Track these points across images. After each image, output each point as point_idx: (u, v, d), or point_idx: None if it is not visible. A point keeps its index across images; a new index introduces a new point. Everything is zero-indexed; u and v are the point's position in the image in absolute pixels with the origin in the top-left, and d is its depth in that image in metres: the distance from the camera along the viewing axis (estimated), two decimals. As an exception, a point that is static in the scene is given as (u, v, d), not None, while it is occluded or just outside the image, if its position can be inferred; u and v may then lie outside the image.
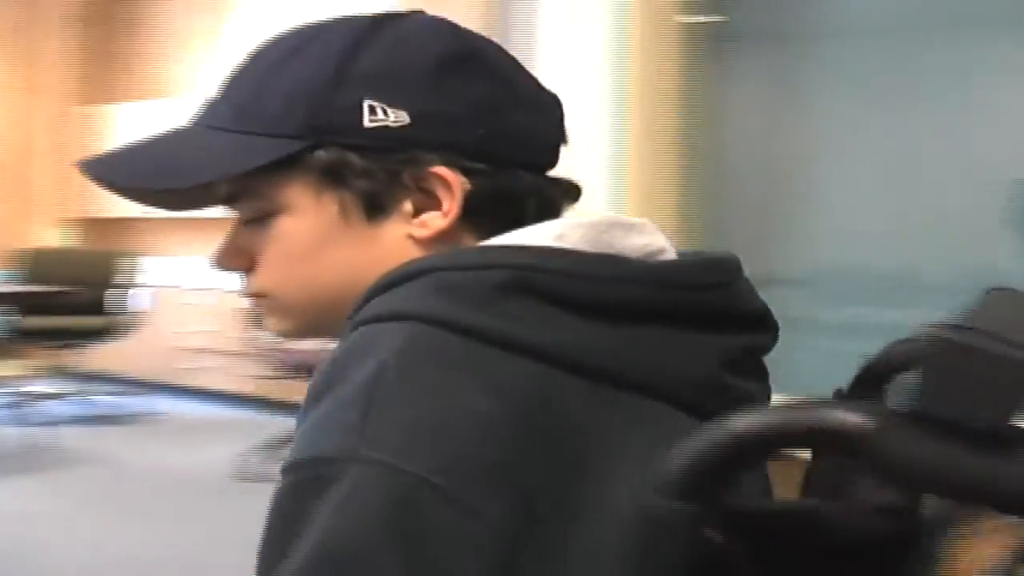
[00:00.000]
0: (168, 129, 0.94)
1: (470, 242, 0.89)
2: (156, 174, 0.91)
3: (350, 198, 0.89)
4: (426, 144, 0.88)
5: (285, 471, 0.74)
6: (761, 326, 0.90)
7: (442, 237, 0.89)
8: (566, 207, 0.96)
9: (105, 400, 7.56)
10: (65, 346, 7.33)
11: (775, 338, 0.91)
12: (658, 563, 0.68)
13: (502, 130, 0.91)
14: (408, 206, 0.89)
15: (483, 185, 0.89)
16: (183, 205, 0.98)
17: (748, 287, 0.90)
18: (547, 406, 0.75)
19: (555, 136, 0.96)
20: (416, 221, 0.89)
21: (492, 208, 0.89)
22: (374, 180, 0.88)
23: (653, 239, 0.89)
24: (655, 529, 0.67)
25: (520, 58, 0.94)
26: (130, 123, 7.98)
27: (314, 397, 0.76)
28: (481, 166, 0.88)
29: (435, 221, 0.89)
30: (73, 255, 7.85)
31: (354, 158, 0.88)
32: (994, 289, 0.75)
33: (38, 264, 7.41)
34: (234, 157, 0.89)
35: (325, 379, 0.76)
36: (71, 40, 8.23)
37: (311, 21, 0.93)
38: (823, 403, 0.64)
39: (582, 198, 0.97)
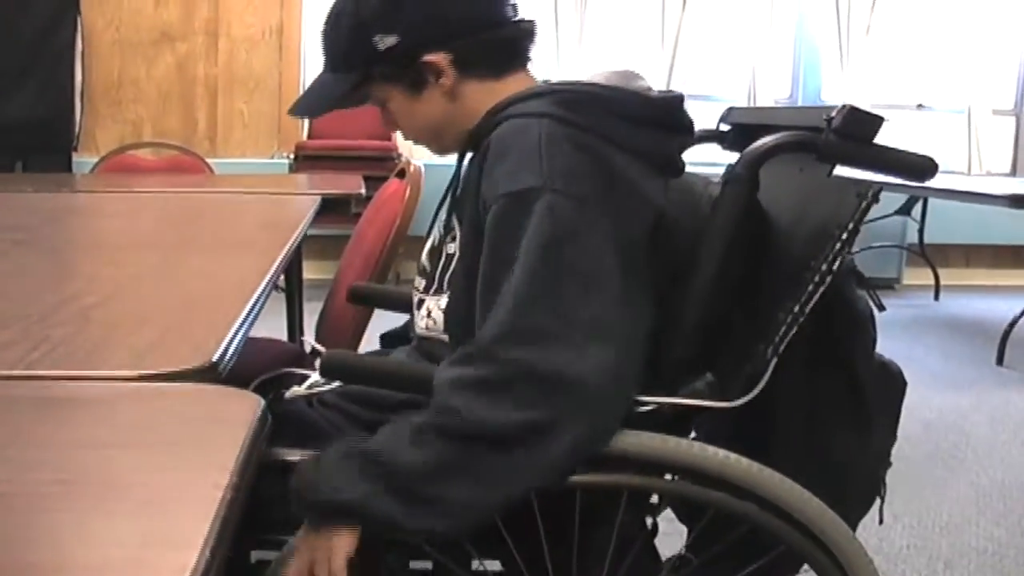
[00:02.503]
0: (317, 76, 1.65)
1: (474, 82, 1.57)
2: (315, 107, 1.66)
3: (403, 86, 1.57)
4: (417, 46, 1.54)
5: (498, 199, 1.40)
6: (690, 133, 1.57)
7: (458, 86, 1.56)
8: (530, 44, 1.63)
9: None
10: None
11: (695, 141, 1.61)
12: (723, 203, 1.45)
13: (454, 19, 1.56)
14: (432, 78, 1.56)
15: (461, 52, 1.55)
16: (343, 107, 1.67)
17: (687, 111, 1.56)
18: (610, 163, 1.43)
19: (487, 2, 1.58)
20: (440, 83, 1.56)
21: (474, 61, 1.56)
22: (406, 74, 1.56)
23: (646, 83, 1.57)
24: (730, 181, 1.45)
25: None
26: None
27: (498, 156, 1.43)
28: (454, 43, 1.54)
29: (446, 81, 1.56)
30: None
31: (387, 68, 1.56)
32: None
33: None
34: (338, 87, 1.60)
35: (501, 146, 1.44)
36: None
37: None
38: (798, 134, 1.46)
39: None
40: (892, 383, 1.64)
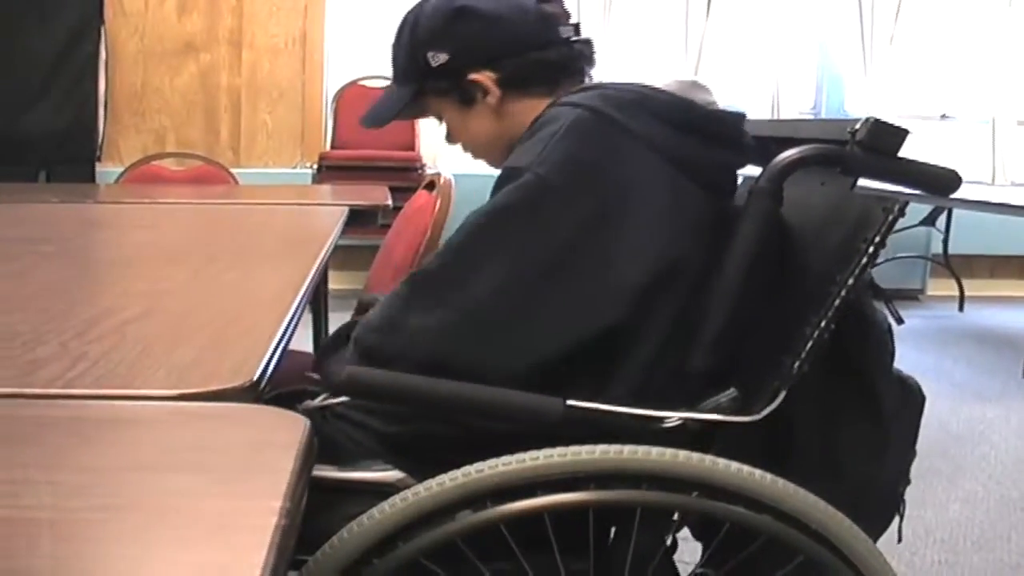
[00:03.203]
0: (386, 87, 1.76)
1: (524, 100, 1.63)
2: (379, 117, 1.72)
3: (455, 101, 1.65)
4: (465, 64, 1.62)
5: (500, 174, 1.49)
6: (742, 152, 1.58)
7: (505, 103, 1.64)
8: (583, 64, 1.67)
9: None
10: None
11: (747, 161, 1.59)
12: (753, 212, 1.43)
13: (501, 40, 1.62)
14: (480, 95, 1.63)
15: (507, 71, 1.62)
16: (404, 118, 1.76)
17: (745, 130, 1.58)
18: (627, 160, 1.47)
19: (539, 24, 1.63)
20: (487, 100, 1.63)
21: (521, 80, 1.62)
22: (456, 90, 1.64)
23: (710, 97, 1.57)
24: (754, 194, 1.43)
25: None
26: None
27: (528, 135, 1.52)
28: (500, 63, 1.61)
29: (492, 98, 1.63)
30: None
31: (439, 83, 1.65)
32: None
33: None
34: (398, 100, 1.69)
35: (535, 127, 1.52)
36: None
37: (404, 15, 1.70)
38: (823, 147, 1.43)
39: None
40: (910, 398, 1.61)
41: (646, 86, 1.55)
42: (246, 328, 1.31)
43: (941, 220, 6.56)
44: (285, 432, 0.86)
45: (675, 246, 1.48)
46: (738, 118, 1.60)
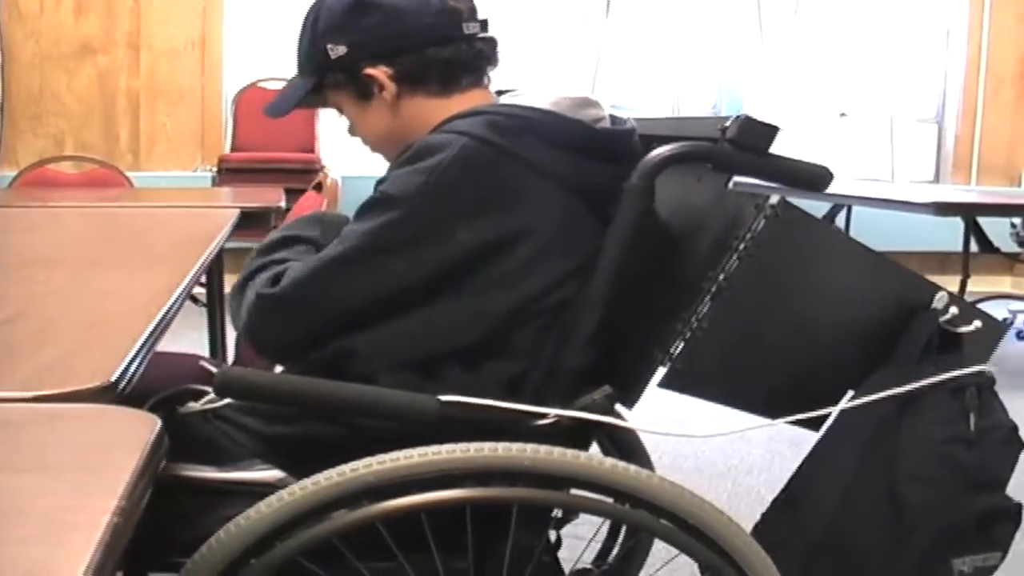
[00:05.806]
0: (292, 77, 1.72)
1: (419, 97, 1.62)
2: (280, 107, 1.69)
3: (352, 94, 1.64)
4: (361, 58, 1.60)
5: (374, 196, 1.51)
6: (632, 164, 1.49)
7: (402, 100, 1.62)
8: (483, 63, 1.64)
9: None
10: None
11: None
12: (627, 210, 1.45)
13: (399, 35, 1.60)
14: (376, 89, 1.61)
15: (403, 67, 1.60)
16: (305, 107, 1.75)
17: (635, 142, 1.59)
18: (516, 190, 1.48)
19: (441, 19, 1.60)
20: (383, 95, 1.61)
21: (417, 77, 1.60)
22: (353, 82, 1.62)
23: (600, 112, 1.57)
24: (626, 191, 1.45)
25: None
26: None
27: (407, 160, 1.49)
28: (397, 58, 1.60)
29: (387, 94, 1.61)
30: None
31: (337, 76, 1.63)
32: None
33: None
34: (298, 90, 1.68)
35: (414, 152, 1.49)
36: None
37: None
38: (692, 144, 1.46)
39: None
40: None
41: (535, 108, 1.53)
42: (114, 330, 1.30)
43: (841, 217, 6.66)
44: (134, 431, 0.86)
45: (562, 266, 1.50)
46: (628, 132, 1.60)
